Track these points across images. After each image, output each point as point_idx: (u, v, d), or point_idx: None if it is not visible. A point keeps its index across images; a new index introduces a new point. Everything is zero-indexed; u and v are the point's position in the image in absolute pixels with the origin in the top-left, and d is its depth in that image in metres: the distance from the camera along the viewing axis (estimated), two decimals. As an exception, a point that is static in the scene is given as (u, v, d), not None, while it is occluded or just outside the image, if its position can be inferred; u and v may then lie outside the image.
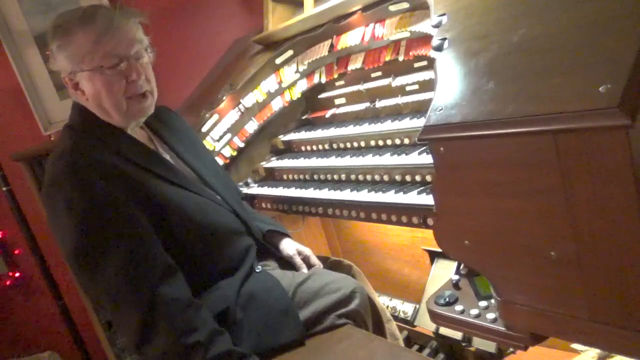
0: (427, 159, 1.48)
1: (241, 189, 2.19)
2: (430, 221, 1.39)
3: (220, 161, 2.17)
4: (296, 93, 2.16)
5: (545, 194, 0.89)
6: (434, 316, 1.25)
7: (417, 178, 1.55)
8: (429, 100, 1.10)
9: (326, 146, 2.06)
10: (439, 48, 1.18)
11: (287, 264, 1.63)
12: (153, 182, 1.36)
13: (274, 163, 2.20)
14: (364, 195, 1.61)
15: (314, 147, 2.13)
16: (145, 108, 1.42)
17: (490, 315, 1.13)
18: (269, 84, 2.14)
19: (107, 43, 1.31)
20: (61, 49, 1.33)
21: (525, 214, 0.94)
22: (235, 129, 2.18)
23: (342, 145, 1.98)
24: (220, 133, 2.15)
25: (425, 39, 1.59)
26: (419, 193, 1.45)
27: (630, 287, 0.85)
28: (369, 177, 1.73)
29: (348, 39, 1.85)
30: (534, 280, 0.98)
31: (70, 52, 1.32)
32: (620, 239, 0.83)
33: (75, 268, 1.28)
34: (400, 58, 1.73)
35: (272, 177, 2.24)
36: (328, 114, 2.15)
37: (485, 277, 1.10)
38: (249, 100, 2.16)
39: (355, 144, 1.92)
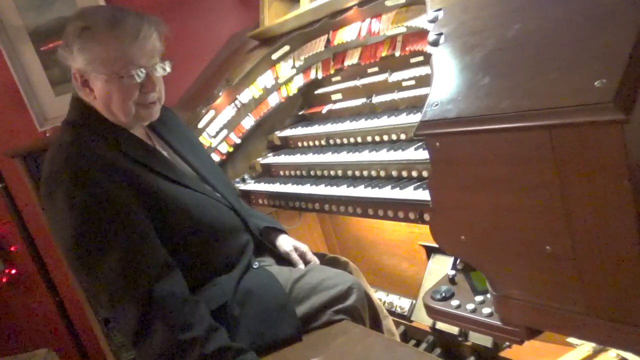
0: (423, 154, 1.49)
1: (238, 185, 2.19)
2: (426, 217, 1.39)
3: (216, 157, 2.16)
4: (293, 89, 2.16)
5: (541, 189, 0.90)
6: (431, 311, 1.26)
7: (414, 174, 1.56)
8: (426, 96, 1.10)
9: (323, 142, 2.06)
10: (435, 43, 1.18)
11: (284, 260, 1.63)
12: (152, 178, 1.36)
13: (271, 159, 2.20)
14: (361, 191, 1.61)
15: (311, 143, 2.13)
16: (152, 114, 1.44)
17: (487, 310, 1.14)
18: (266, 79, 2.14)
19: (132, 54, 1.31)
20: (83, 51, 1.30)
21: (520, 209, 0.94)
22: (231, 124, 2.17)
23: (338, 141, 1.98)
24: (217, 129, 2.14)
25: (422, 34, 1.58)
26: (415, 189, 1.45)
27: (624, 281, 0.85)
28: (365, 173, 1.73)
29: (344, 35, 1.85)
30: (530, 275, 0.98)
31: (93, 56, 1.30)
32: (615, 233, 0.83)
33: (73, 263, 1.28)
34: (397, 53, 1.73)
35: (268, 173, 2.24)
36: (324, 109, 2.15)
37: (481, 272, 1.11)
38: (245, 96, 2.15)
39: (352, 140, 1.92)
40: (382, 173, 1.66)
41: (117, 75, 1.31)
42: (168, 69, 1.43)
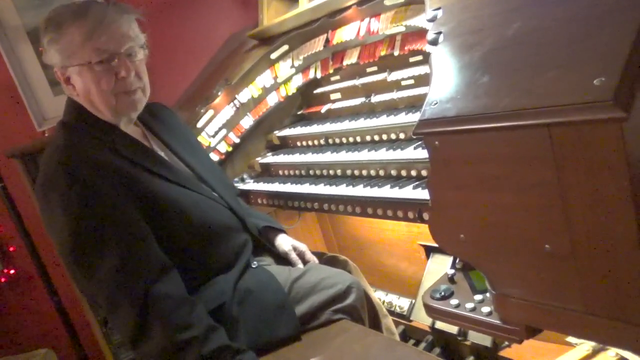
0: (422, 153, 1.49)
1: (237, 184, 2.19)
2: (425, 216, 1.39)
3: (215, 157, 2.16)
4: (292, 88, 2.16)
5: (540, 188, 0.89)
6: (430, 310, 1.26)
7: (413, 173, 1.56)
8: (425, 95, 1.10)
9: (322, 141, 2.06)
10: (434, 42, 1.18)
11: (283, 259, 1.63)
12: (148, 179, 1.35)
13: (270, 159, 2.19)
14: (360, 191, 1.61)
15: (310, 143, 2.13)
16: (134, 102, 1.40)
17: (486, 309, 1.14)
18: (265, 79, 2.14)
19: (98, 39, 1.30)
20: (52, 43, 1.32)
21: (520, 208, 0.94)
22: (230, 124, 2.17)
23: (337, 141, 1.98)
24: (216, 129, 2.14)
25: (421, 33, 1.58)
26: (414, 188, 1.45)
27: (624, 280, 0.85)
28: (364, 172, 1.73)
29: (343, 34, 1.85)
30: (529, 274, 0.98)
31: (61, 46, 1.31)
32: (614, 232, 0.83)
33: (70, 265, 1.27)
34: (396, 53, 1.73)
35: (267, 172, 2.24)
36: (323, 109, 2.15)
37: (481, 271, 1.11)
38: (244, 96, 2.15)
39: (351, 139, 1.92)
40: (382, 172, 1.66)
41: (87, 62, 1.31)
42: (143, 55, 1.41)
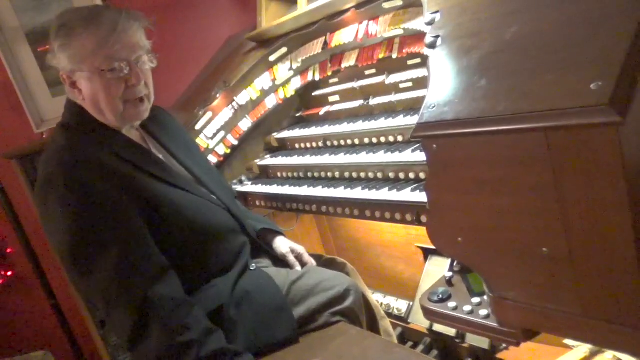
0: (420, 156, 1.49)
1: (235, 186, 2.19)
2: (423, 218, 1.40)
3: (214, 159, 2.16)
4: (290, 90, 2.16)
5: (537, 191, 0.90)
6: (428, 313, 1.26)
7: (411, 175, 1.56)
8: (423, 98, 1.10)
9: (320, 144, 2.06)
10: (432, 45, 1.19)
11: (281, 262, 1.63)
12: (147, 181, 1.35)
13: (268, 161, 2.20)
14: (358, 193, 1.61)
15: (308, 145, 2.13)
16: (141, 112, 1.42)
17: (483, 312, 1.14)
18: (263, 81, 2.14)
19: (110, 47, 1.30)
20: (63, 49, 1.31)
21: (517, 211, 0.94)
22: (229, 126, 2.18)
23: (336, 143, 1.99)
24: (214, 131, 2.14)
25: (419, 36, 1.59)
26: (412, 190, 1.46)
27: (621, 283, 0.85)
28: (362, 175, 1.74)
29: (342, 37, 1.85)
30: (526, 277, 0.99)
31: (72, 52, 1.31)
32: (611, 235, 0.83)
33: (69, 267, 1.27)
34: (394, 55, 1.73)
35: (266, 174, 2.24)
36: (322, 111, 2.15)
37: (478, 274, 1.11)
38: (242, 98, 2.15)
39: (349, 142, 1.92)
40: (380, 175, 1.67)
41: (99, 70, 1.31)
42: (153, 63, 1.42)
